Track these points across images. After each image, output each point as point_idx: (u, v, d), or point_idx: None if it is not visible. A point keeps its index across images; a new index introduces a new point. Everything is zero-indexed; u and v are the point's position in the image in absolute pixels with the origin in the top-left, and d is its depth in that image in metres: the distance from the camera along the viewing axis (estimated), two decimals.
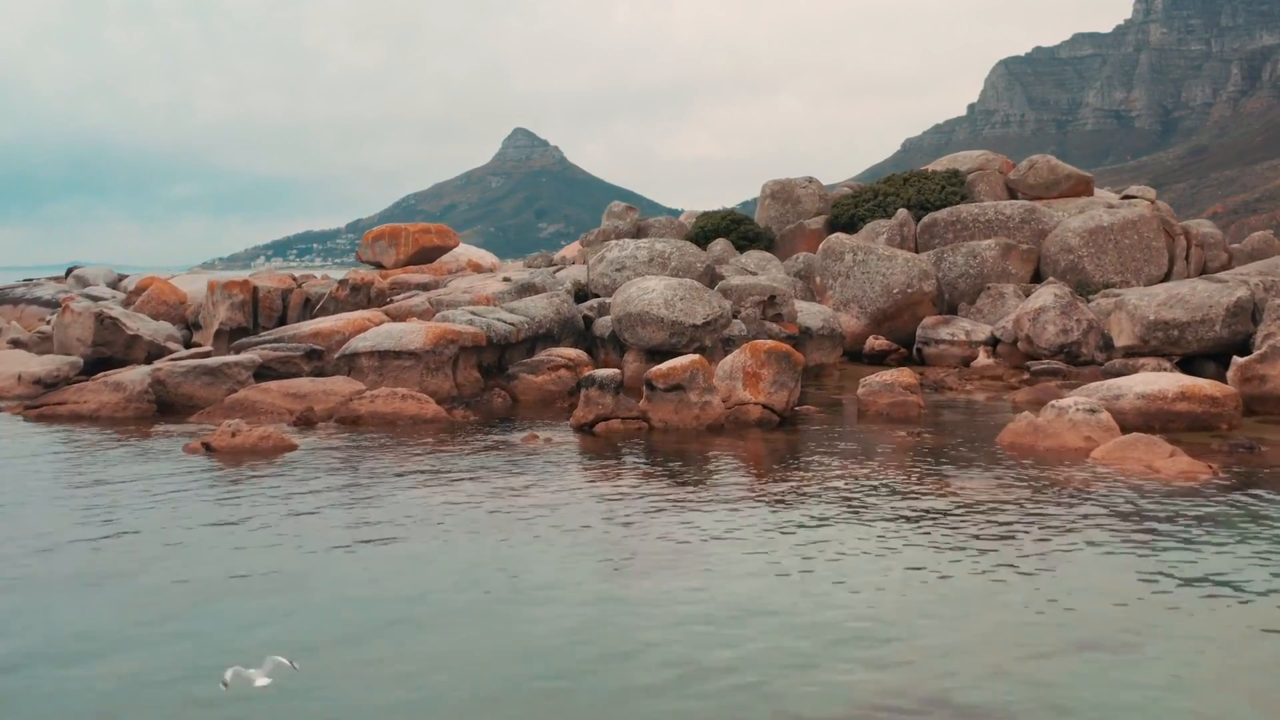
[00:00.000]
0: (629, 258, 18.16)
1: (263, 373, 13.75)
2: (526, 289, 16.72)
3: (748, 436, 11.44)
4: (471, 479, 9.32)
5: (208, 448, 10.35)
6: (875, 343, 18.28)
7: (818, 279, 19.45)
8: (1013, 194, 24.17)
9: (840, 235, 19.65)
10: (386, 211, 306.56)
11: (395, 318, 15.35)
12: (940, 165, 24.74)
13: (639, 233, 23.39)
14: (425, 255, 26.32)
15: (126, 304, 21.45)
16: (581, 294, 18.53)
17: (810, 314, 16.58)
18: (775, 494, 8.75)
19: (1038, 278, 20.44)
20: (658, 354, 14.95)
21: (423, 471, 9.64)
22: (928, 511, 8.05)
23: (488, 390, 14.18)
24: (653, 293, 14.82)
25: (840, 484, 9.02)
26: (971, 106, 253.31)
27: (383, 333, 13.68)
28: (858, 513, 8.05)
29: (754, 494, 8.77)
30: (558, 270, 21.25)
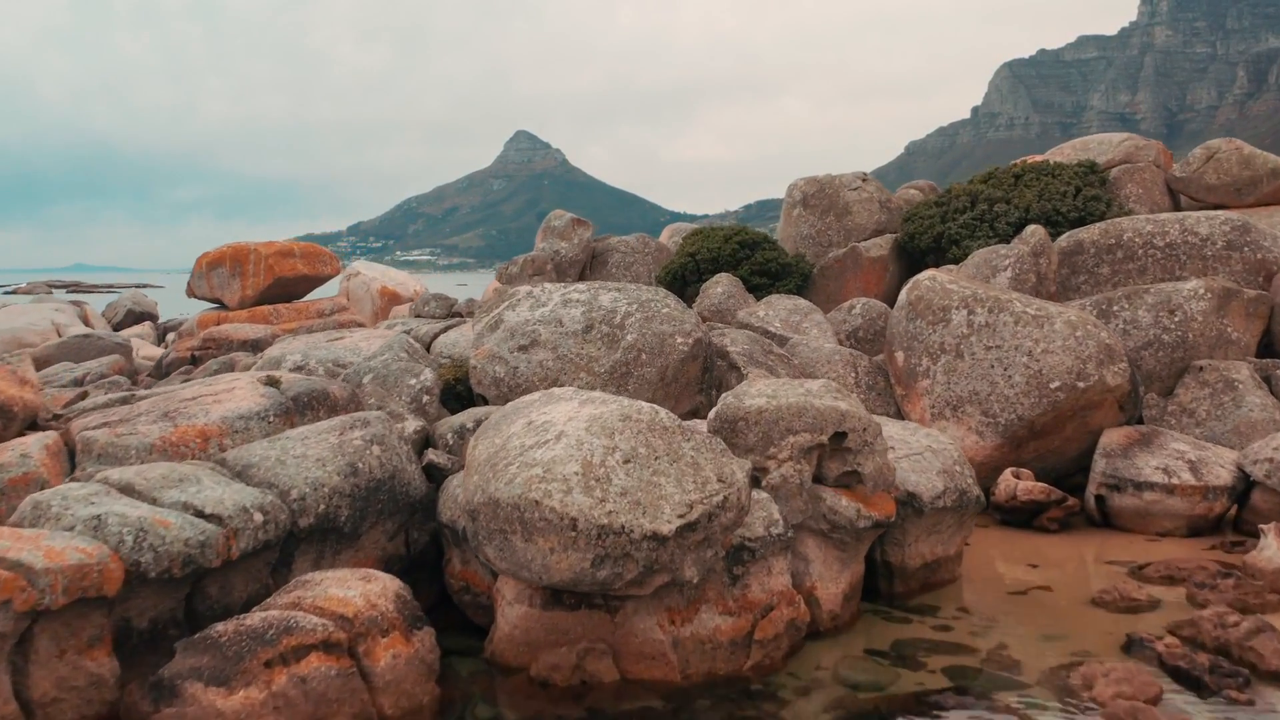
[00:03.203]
0: (546, 322, 9.16)
1: None
2: (310, 402, 7.62)
3: None
4: None
5: None
6: (1020, 486, 9.26)
7: (898, 356, 10.39)
8: (1175, 199, 15.19)
9: (937, 276, 10.59)
10: (388, 214, 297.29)
11: None
12: (1062, 154, 15.64)
13: (592, 262, 14.37)
14: (286, 288, 17.35)
15: None
16: (463, 390, 9.54)
17: (918, 463, 7.50)
18: None
19: (1265, 347, 11.47)
20: (571, 595, 6.00)
21: None
22: None
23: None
24: (557, 445, 5.85)
25: None
26: (975, 109, 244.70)
27: None
28: None
29: None
30: (450, 328, 12.27)
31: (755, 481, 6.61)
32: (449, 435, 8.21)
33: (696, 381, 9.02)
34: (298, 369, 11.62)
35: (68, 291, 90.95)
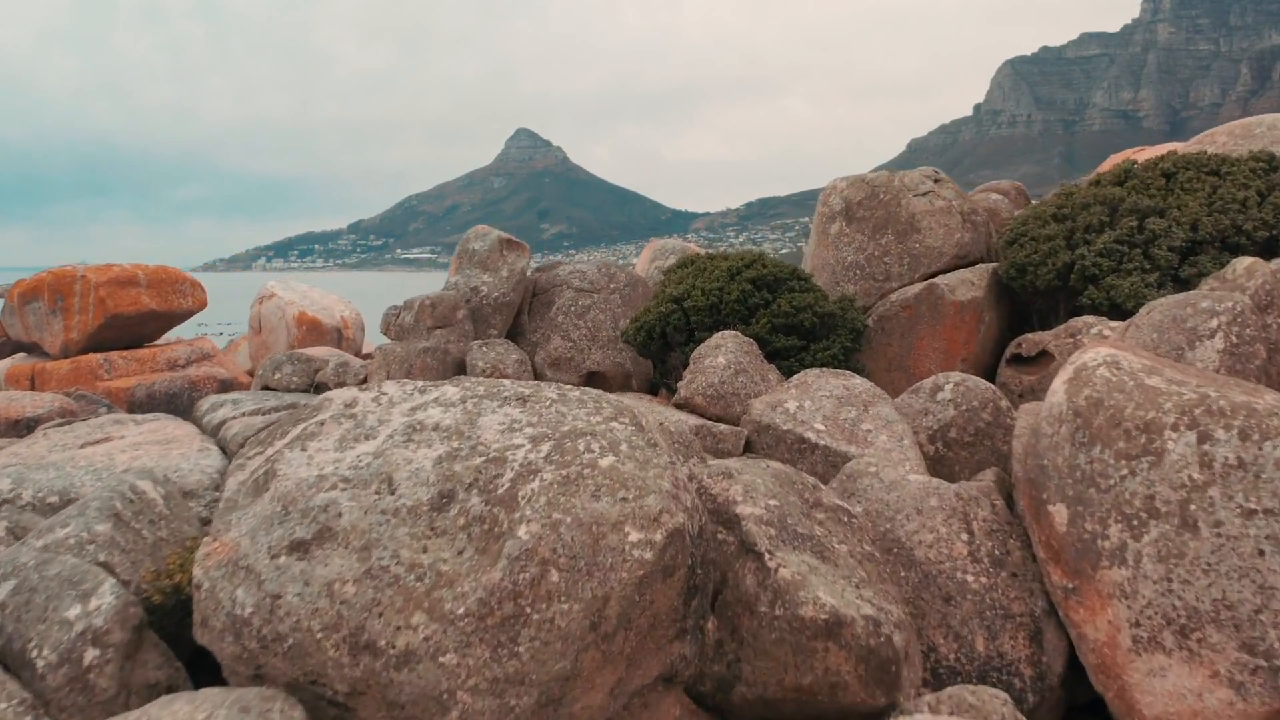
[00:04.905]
0: (358, 481, 4.27)
1: None
2: None
3: None
4: None
5: None
6: None
7: (1055, 513, 5.51)
8: None
9: (1123, 361, 5.72)
10: (388, 213, 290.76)
11: None
12: (1215, 142, 10.71)
13: (532, 303, 9.51)
14: (127, 329, 12.49)
15: None
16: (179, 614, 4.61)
17: None
18: None
19: None
20: None
21: None
22: None
23: None
24: None
25: None
26: (978, 107, 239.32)
27: None
28: None
29: None
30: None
31: None
32: None
33: (672, 619, 4.16)
34: (2, 504, 6.83)
35: None
